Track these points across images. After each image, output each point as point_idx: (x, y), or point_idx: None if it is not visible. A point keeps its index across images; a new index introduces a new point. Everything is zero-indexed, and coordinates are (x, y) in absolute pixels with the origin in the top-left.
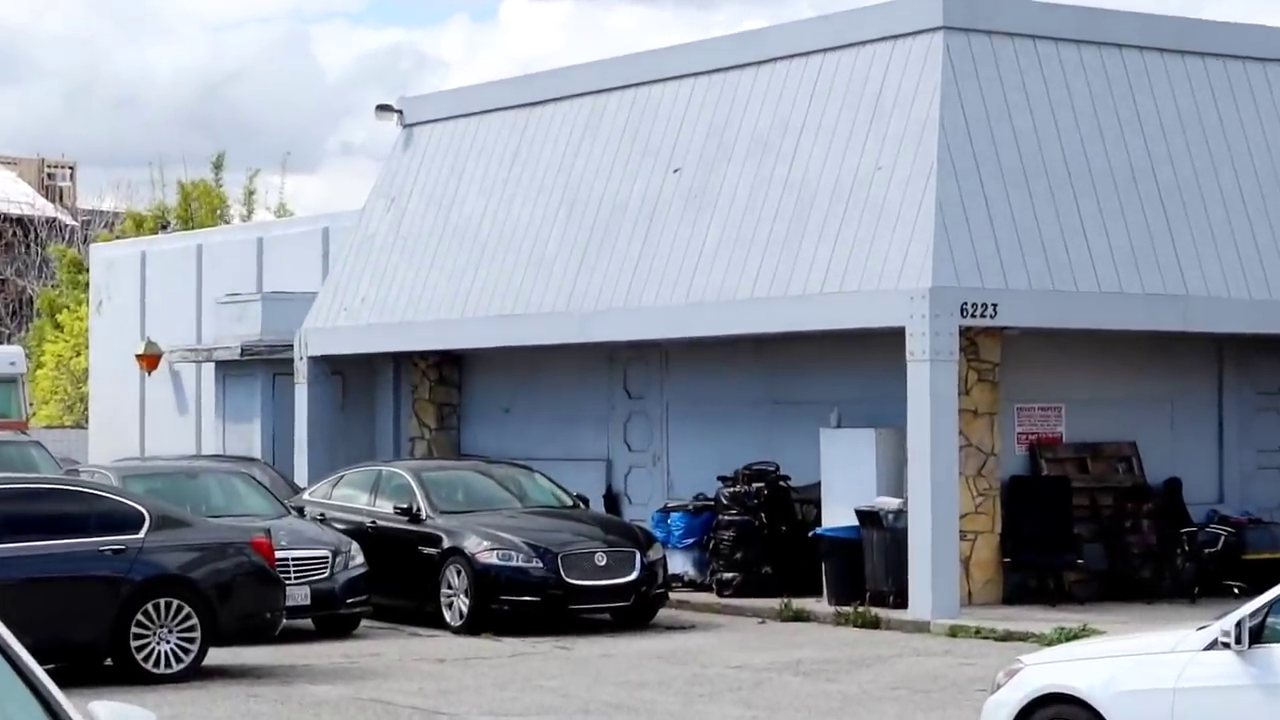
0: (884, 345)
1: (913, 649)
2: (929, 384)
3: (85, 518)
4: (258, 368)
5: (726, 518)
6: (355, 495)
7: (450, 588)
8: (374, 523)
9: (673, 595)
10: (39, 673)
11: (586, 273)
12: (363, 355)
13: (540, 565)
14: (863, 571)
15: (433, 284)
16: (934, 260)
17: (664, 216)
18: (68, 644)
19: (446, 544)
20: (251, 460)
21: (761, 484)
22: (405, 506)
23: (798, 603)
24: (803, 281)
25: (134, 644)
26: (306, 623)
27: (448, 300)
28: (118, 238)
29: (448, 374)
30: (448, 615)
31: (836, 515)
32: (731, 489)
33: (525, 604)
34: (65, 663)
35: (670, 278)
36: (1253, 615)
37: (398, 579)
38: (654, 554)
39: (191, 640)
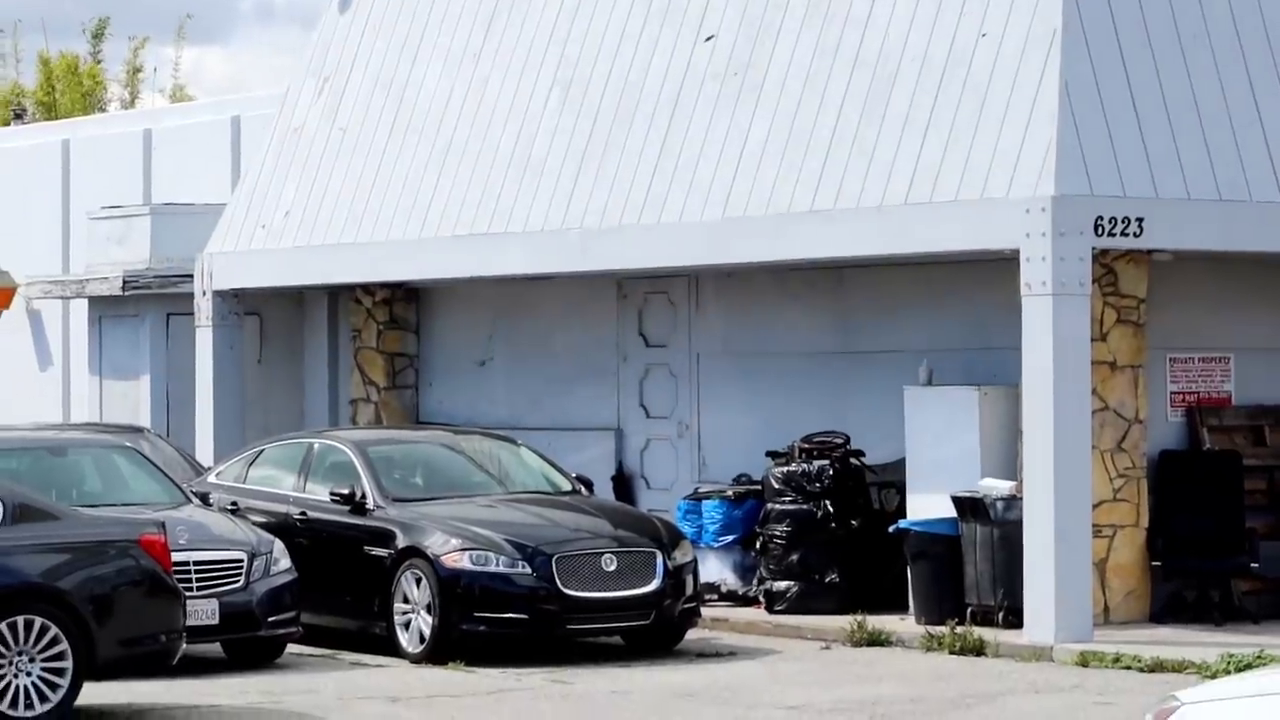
0: (991, 275)
1: (1029, 683)
2: (1051, 327)
3: None
4: (145, 306)
5: (779, 507)
6: (279, 477)
7: (407, 602)
8: (304, 514)
9: (706, 611)
10: None
11: (588, 178)
12: (288, 289)
13: (528, 571)
14: (961, 579)
15: (381, 193)
16: (1058, 160)
17: (692, 103)
18: None
19: (401, 542)
20: (138, 430)
21: (826, 461)
22: (346, 492)
23: (874, 621)
24: (879, 190)
25: None
26: (215, 648)
27: (402, 215)
28: None
29: (402, 314)
30: (403, 639)
31: (926, 504)
32: (785, 468)
33: (508, 623)
34: None
35: (701, 185)
36: None
37: (336, 590)
38: (681, 556)
39: (60, 672)
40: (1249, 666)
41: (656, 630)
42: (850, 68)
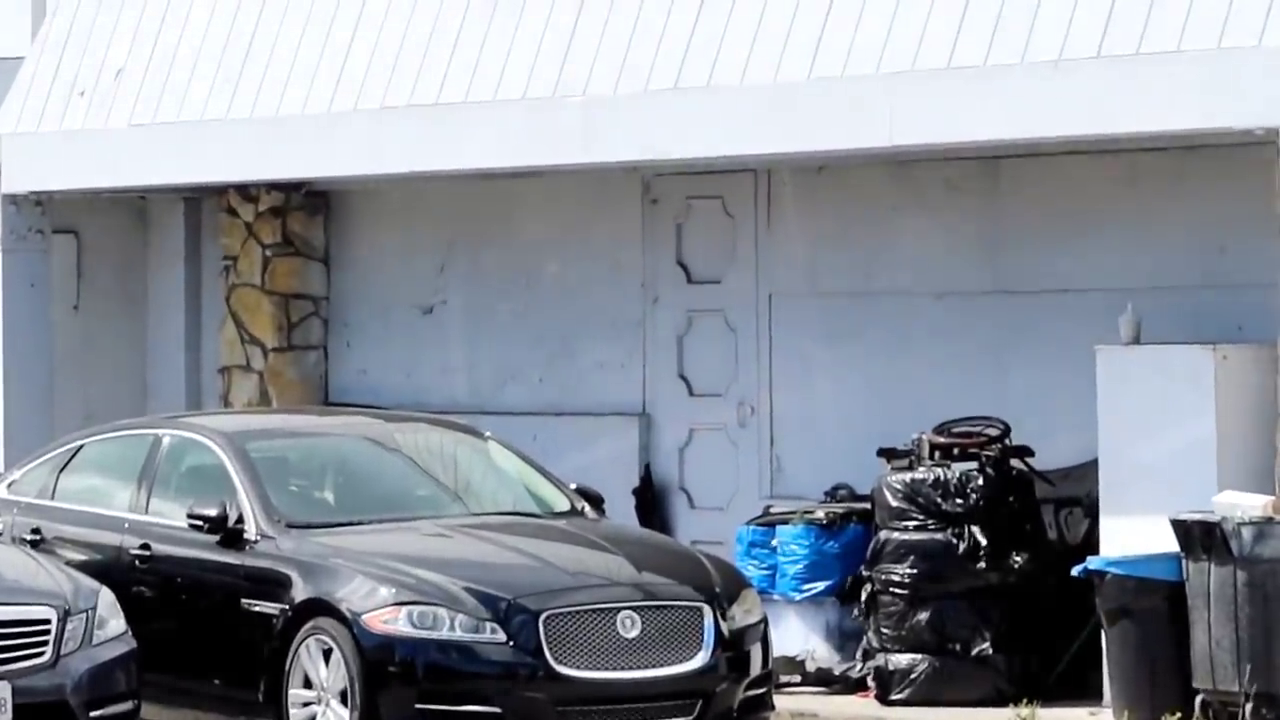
0: (1231, 171)
1: None
2: None
3: None
4: None
5: (898, 537)
6: (107, 490)
7: (309, 686)
8: (146, 548)
9: (784, 701)
10: None
11: (596, 19)
12: (122, 193)
13: (501, 638)
14: (1187, 649)
15: (270, 41)
16: None
17: None
18: None
19: (301, 593)
20: None
21: (973, 465)
22: (213, 514)
23: (1051, 714)
24: (1055, 39)
25: None
26: None
27: (303, 75)
28: None
29: (302, 233)
30: None
31: (1130, 531)
32: (908, 475)
33: (471, 719)
34: None
35: (774, 30)
36: None
37: (198, 667)
38: (743, 614)
39: None
40: None
41: None
42: None
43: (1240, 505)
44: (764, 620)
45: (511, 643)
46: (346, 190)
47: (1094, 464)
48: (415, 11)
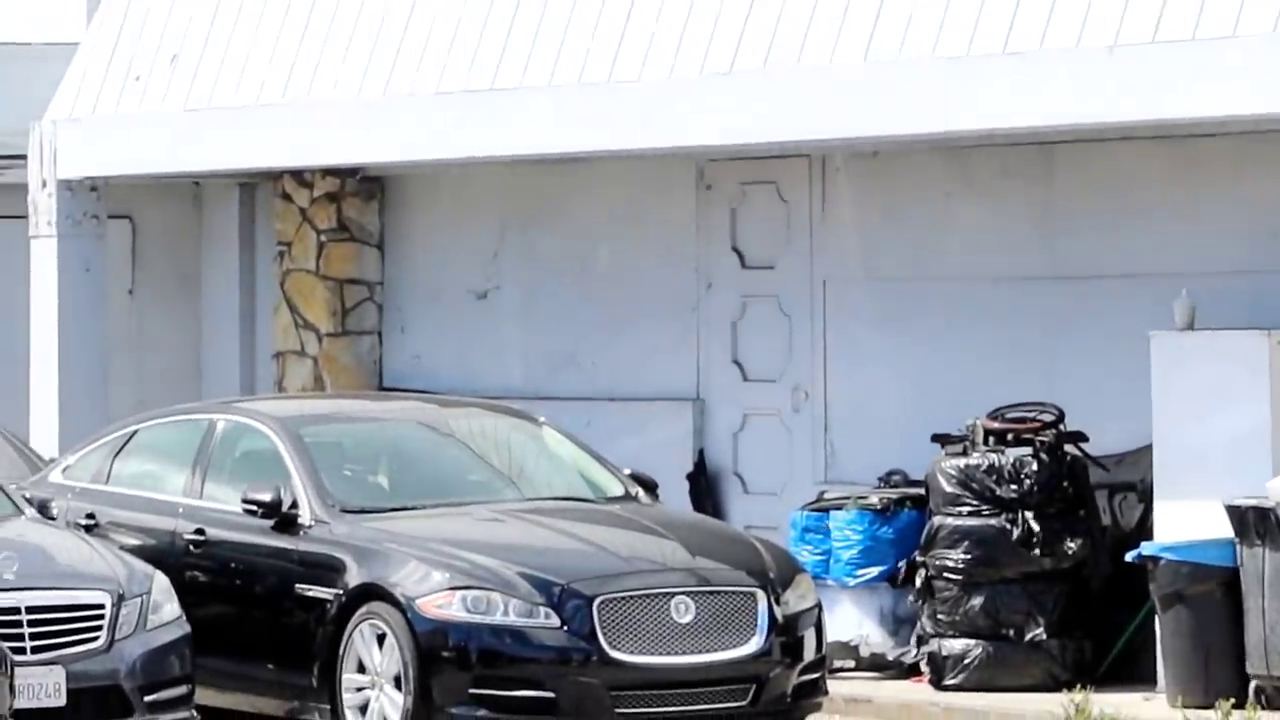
0: None
1: None
2: None
3: None
4: None
5: (953, 522)
6: (161, 475)
7: (363, 671)
8: (200, 533)
9: (837, 686)
10: None
11: (648, 4)
12: (176, 178)
13: (555, 623)
14: (1241, 636)
15: (325, 26)
16: None
17: None
18: None
19: (355, 578)
20: None
21: (1027, 450)
22: (267, 499)
23: (1104, 701)
24: (1111, 22)
25: None
26: None
27: (358, 60)
28: None
29: (357, 218)
30: None
31: (1185, 517)
32: (962, 461)
33: (525, 705)
34: None
35: (829, 15)
36: None
37: (252, 652)
38: (797, 599)
39: None
40: None
41: (759, 716)
42: None
43: None
44: (818, 605)
45: (565, 628)
46: (401, 175)
47: (1148, 449)
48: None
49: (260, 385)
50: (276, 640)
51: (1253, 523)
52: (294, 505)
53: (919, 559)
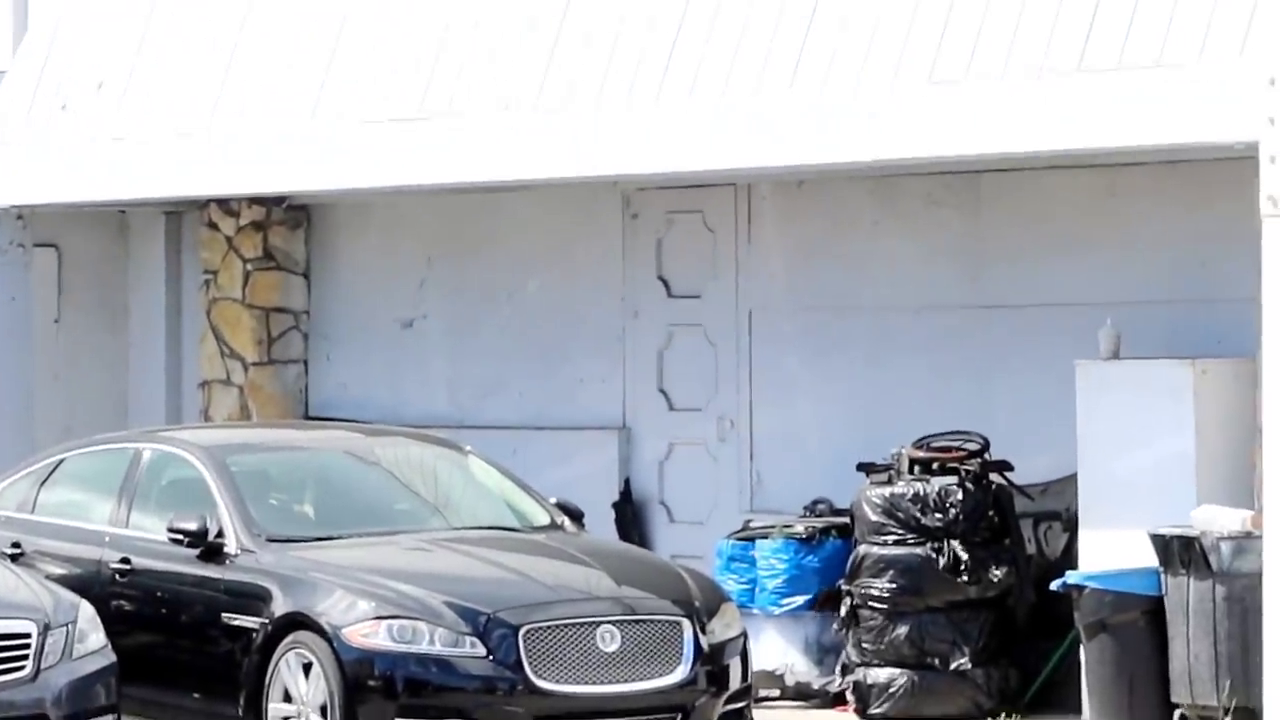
0: (1212, 185)
1: None
2: None
3: None
4: None
5: (878, 551)
6: (87, 504)
7: (289, 700)
8: (126, 562)
9: (764, 716)
10: None
11: (574, 34)
12: (103, 206)
13: (481, 652)
14: (1165, 664)
15: (252, 55)
16: None
17: None
18: None
19: (281, 607)
20: None
21: (953, 479)
22: (193, 528)
23: None
24: (1037, 50)
25: None
26: None
27: (285, 89)
28: None
29: (283, 246)
30: None
31: (1109, 546)
32: (888, 490)
33: None
34: None
35: (756, 46)
36: None
37: (179, 680)
38: (723, 628)
39: None
40: None
41: None
42: None
43: (1219, 520)
44: (743, 634)
45: (491, 657)
46: (327, 204)
47: (1073, 478)
48: (396, 25)
49: (187, 414)
50: (203, 669)
51: (1177, 552)
52: (220, 534)
53: (844, 588)
